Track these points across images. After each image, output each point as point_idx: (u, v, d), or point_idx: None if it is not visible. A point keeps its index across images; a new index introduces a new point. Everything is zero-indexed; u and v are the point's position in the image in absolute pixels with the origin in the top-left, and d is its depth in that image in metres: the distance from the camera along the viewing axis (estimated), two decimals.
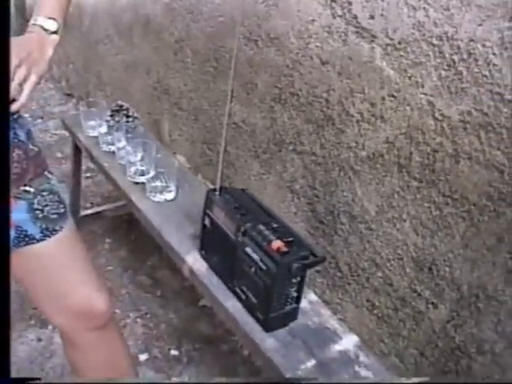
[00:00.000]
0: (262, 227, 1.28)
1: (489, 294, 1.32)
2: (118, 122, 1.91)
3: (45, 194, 1.04)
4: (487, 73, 1.19)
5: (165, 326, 1.90)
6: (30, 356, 1.79)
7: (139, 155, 1.78)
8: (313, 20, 1.56)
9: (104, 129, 1.93)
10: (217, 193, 1.40)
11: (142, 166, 1.76)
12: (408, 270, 1.49)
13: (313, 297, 1.40)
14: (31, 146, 1.03)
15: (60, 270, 1.12)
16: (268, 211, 1.38)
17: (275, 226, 1.30)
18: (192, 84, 2.14)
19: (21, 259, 1.04)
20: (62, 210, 1.08)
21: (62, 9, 1.06)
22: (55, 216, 1.06)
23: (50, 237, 1.06)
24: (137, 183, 1.74)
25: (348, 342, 1.28)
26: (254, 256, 1.26)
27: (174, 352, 1.81)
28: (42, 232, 1.04)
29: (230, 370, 1.77)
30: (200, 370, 1.76)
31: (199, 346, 1.83)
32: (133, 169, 1.76)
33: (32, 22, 1.04)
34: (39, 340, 1.84)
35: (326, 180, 1.67)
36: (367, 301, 1.64)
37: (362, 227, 1.59)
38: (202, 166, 2.10)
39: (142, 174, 1.75)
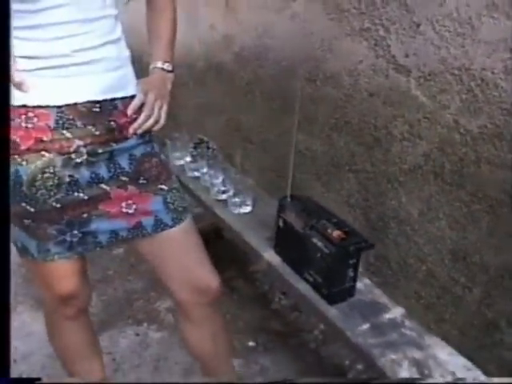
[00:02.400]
0: (324, 222, 1.72)
1: (508, 274, 1.70)
2: (201, 152, 2.39)
3: (174, 191, 1.44)
4: (496, 94, 1.60)
5: (242, 324, 2.32)
6: (130, 347, 2.24)
7: (220, 178, 2.25)
8: (361, 61, 2.02)
9: (189, 158, 2.42)
10: (288, 199, 1.84)
11: (223, 186, 2.22)
12: (446, 261, 1.88)
13: (367, 281, 1.81)
14: (162, 156, 1.48)
15: (185, 252, 1.49)
16: (328, 211, 1.81)
17: (335, 220, 1.73)
18: (260, 120, 2.62)
19: (156, 242, 1.44)
20: (186, 205, 1.48)
21: (172, 52, 1.52)
22: (181, 208, 1.45)
23: (178, 224, 1.44)
24: (219, 200, 2.21)
25: (396, 312, 1.68)
26: (319, 244, 1.69)
27: (251, 343, 2.23)
28: (172, 220, 1.43)
29: (299, 359, 2.17)
30: (274, 358, 2.17)
31: (272, 338, 2.24)
32: (215, 189, 2.22)
33: (153, 66, 1.47)
34: (137, 335, 2.29)
35: (376, 192, 2.09)
36: (415, 293, 2.02)
37: (408, 229, 2.00)
38: (272, 191, 2.55)
39: (223, 192, 2.21)
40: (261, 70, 2.55)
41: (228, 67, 2.77)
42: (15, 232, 1.30)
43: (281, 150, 2.51)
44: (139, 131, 1.36)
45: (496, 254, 1.73)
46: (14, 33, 1.08)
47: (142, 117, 1.36)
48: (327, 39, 2.14)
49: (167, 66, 1.47)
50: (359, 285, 1.76)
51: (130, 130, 1.34)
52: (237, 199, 2.16)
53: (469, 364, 1.49)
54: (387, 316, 1.67)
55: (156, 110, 1.38)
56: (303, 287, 1.77)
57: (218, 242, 2.62)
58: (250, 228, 2.06)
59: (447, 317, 1.92)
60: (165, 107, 1.42)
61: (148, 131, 1.38)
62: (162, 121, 1.40)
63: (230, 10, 2.68)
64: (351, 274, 1.70)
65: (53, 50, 1.17)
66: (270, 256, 1.91)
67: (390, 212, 2.05)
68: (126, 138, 1.33)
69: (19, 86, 1.05)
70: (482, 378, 1.45)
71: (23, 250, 1.34)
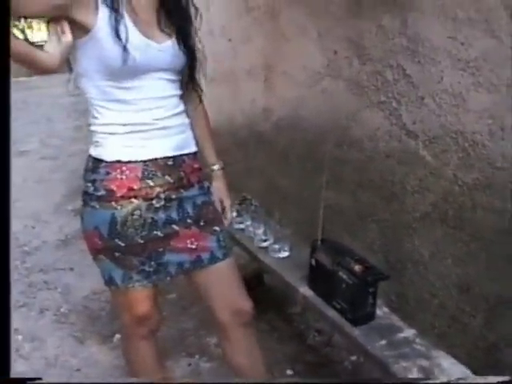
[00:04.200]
0: (348, 259, 2.15)
1: (506, 300, 2.09)
2: (245, 207, 2.87)
3: (224, 232, 1.89)
4: (485, 152, 2.04)
5: (281, 356, 2.72)
6: (183, 375, 2.65)
7: (262, 229, 2.70)
8: (378, 128, 2.49)
9: (234, 213, 2.89)
10: (319, 242, 2.29)
11: (264, 235, 2.67)
12: (453, 293, 2.28)
13: (385, 309, 2.21)
14: (216, 204, 1.95)
15: (229, 281, 1.91)
16: (351, 251, 2.24)
17: (357, 258, 2.16)
18: (295, 180, 3.10)
19: (209, 273, 1.85)
20: (230, 244, 1.96)
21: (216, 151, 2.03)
22: (229, 246, 1.91)
23: (226, 258, 1.88)
24: (261, 247, 2.66)
25: (409, 332, 2.07)
26: (344, 277, 2.11)
27: (289, 372, 2.62)
28: (223, 255, 1.86)
29: None
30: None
31: (308, 368, 2.63)
32: (258, 238, 2.68)
33: (211, 169, 1.99)
34: (189, 365, 2.71)
35: (394, 238, 2.52)
36: (430, 324, 2.41)
37: (421, 268, 2.41)
38: (306, 240, 2.99)
39: (265, 241, 2.66)
40: (295, 137, 3.04)
41: (267, 135, 3.27)
42: (105, 264, 1.71)
43: (313, 205, 2.96)
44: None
45: (493, 285, 2.12)
46: (107, 105, 1.58)
47: (228, 219, 2.00)
48: (351, 111, 2.62)
49: (220, 165, 2.01)
50: (379, 312, 2.17)
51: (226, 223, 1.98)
52: (276, 246, 2.60)
53: (467, 371, 1.88)
54: (401, 335, 2.06)
55: (228, 208, 2.00)
56: (332, 313, 2.18)
57: (260, 288, 3.05)
58: (287, 269, 2.49)
59: (457, 342, 2.30)
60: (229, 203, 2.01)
61: (204, 181, 1.86)
62: (231, 216, 2.04)
63: (269, 86, 3.21)
64: (371, 300, 2.11)
65: (139, 118, 1.63)
66: (305, 290, 2.34)
67: (406, 254, 2.47)
68: (191, 186, 1.78)
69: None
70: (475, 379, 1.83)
71: (109, 281, 1.75)
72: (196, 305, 3.01)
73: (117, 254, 1.69)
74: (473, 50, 2.01)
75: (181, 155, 1.75)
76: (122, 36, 1.51)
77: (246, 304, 1.96)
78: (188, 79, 1.81)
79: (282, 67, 3.09)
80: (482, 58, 1.98)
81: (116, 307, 1.98)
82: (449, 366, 1.90)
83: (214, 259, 1.85)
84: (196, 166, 1.82)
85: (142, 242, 1.69)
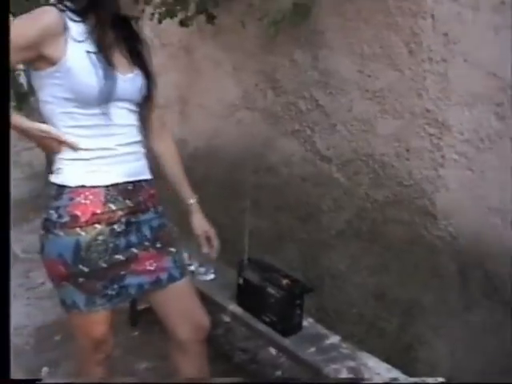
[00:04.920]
0: (275, 275, 2.34)
1: (417, 304, 2.35)
2: None
3: (179, 253, 1.97)
4: (393, 172, 2.31)
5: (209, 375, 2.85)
6: None
7: (185, 254, 2.84)
8: (293, 154, 2.72)
9: None
10: (245, 260, 2.46)
11: (189, 260, 2.82)
12: (370, 302, 2.52)
13: (310, 319, 2.41)
14: (170, 226, 2.01)
15: (187, 299, 1.99)
16: (277, 267, 2.44)
17: (282, 273, 2.36)
18: (213, 206, 3.27)
19: (167, 292, 1.93)
20: (185, 263, 2.07)
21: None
22: (185, 266, 2.01)
23: (183, 278, 1.96)
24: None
25: (334, 338, 2.28)
26: (273, 291, 2.30)
27: None
28: (180, 274, 1.95)
29: None
30: None
31: None
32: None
33: (189, 203, 2.06)
34: None
35: (312, 255, 2.74)
36: (349, 332, 2.63)
37: (339, 281, 2.64)
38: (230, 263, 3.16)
39: (190, 265, 2.80)
40: (212, 165, 3.22)
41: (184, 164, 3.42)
42: (68, 291, 1.75)
43: (233, 229, 3.14)
44: (215, 255, 2.09)
45: (405, 291, 2.38)
46: (72, 130, 1.70)
47: (216, 245, 2.09)
48: (266, 139, 2.85)
49: (196, 199, 2.10)
50: (305, 323, 2.36)
51: (212, 255, 2.09)
52: (202, 269, 2.76)
53: (390, 367, 2.11)
54: (328, 341, 2.27)
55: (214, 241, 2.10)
56: (262, 327, 2.36)
57: None
58: (215, 290, 2.65)
59: (376, 346, 2.53)
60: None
61: (158, 206, 1.94)
62: (217, 249, 2.11)
63: (184, 118, 3.38)
64: (298, 311, 2.31)
65: (102, 144, 1.73)
66: (234, 308, 2.50)
67: (324, 269, 2.69)
68: (148, 210, 1.87)
69: (72, 145, 1.67)
70: (402, 376, 2.06)
71: (72, 305, 1.78)
72: (121, 333, 3.09)
73: (80, 280, 1.74)
74: (379, 82, 2.29)
75: (139, 181, 1.85)
76: (90, 67, 1.64)
77: (204, 320, 2.05)
78: (150, 109, 1.93)
79: (197, 100, 3.28)
80: (387, 89, 2.26)
81: (76, 331, 1.95)
82: (373, 364, 2.12)
83: (171, 279, 1.93)
84: (152, 191, 1.91)
85: (105, 266, 1.76)
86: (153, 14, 2.96)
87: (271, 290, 2.31)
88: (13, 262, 4.26)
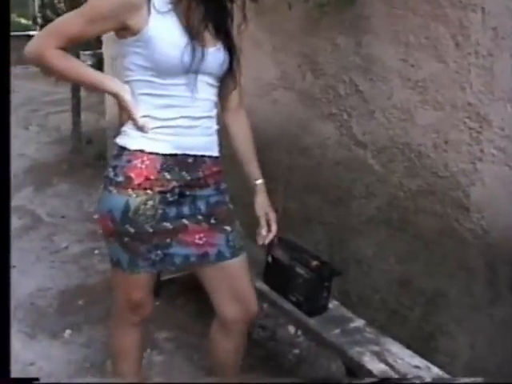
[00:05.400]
0: (305, 255, 2.39)
1: (441, 294, 2.38)
2: None
3: (234, 233, 1.97)
4: (428, 162, 2.33)
5: None
6: None
7: None
8: (328, 137, 2.75)
9: None
10: (275, 240, 2.50)
11: None
12: (394, 289, 2.56)
13: (335, 302, 2.46)
14: (230, 205, 2.00)
15: (237, 279, 2.00)
16: (306, 248, 2.48)
17: (312, 254, 2.40)
18: (245, 184, 3.31)
19: (216, 270, 1.95)
20: (242, 244, 2.02)
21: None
22: (239, 246, 1.99)
23: (235, 257, 1.97)
24: None
25: (359, 322, 2.33)
26: (301, 271, 2.35)
27: None
28: (231, 254, 1.95)
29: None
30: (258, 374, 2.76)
31: (256, 361, 2.82)
32: None
33: (255, 183, 2.07)
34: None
35: (339, 239, 2.78)
36: (371, 318, 2.68)
37: (365, 267, 2.68)
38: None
39: None
40: None
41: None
42: (114, 247, 1.83)
43: None
44: (267, 241, 2.06)
45: (430, 281, 2.42)
46: (146, 98, 1.74)
47: (273, 231, 2.05)
48: (302, 120, 2.88)
49: (262, 180, 2.11)
50: (330, 305, 2.41)
51: (264, 240, 2.05)
52: None
53: (413, 354, 2.15)
54: (352, 324, 2.32)
55: (273, 223, 2.07)
56: (288, 306, 2.41)
57: None
58: None
59: (397, 333, 2.57)
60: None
61: (222, 183, 1.96)
62: (275, 230, 2.07)
63: None
64: (325, 293, 2.35)
65: (170, 114, 1.76)
66: (260, 285, 2.55)
67: (351, 254, 2.73)
68: (207, 186, 1.89)
69: (142, 128, 1.73)
70: (423, 362, 2.11)
71: (116, 263, 1.86)
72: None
73: (125, 239, 1.80)
74: (422, 72, 2.30)
75: (202, 156, 1.85)
76: (173, 38, 1.67)
77: (253, 304, 2.06)
78: (230, 86, 1.95)
79: None
80: (429, 79, 2.28)
81: (116, 289, 2.04)
82: (397, 350, 2.18)
83: (221, 257, 1.94)
84: (215, 169, 1.92)
85: (150, 230, 1.80)
86: None
87: (300, 270, 2.36)
88: (37, 225, 4.37)
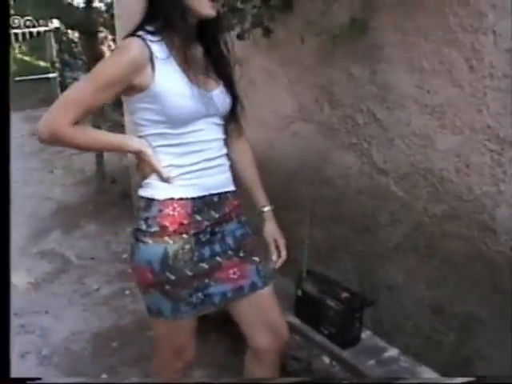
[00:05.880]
0: (334, 287, 2.40)
1: (475, 318, 2.37)
2: None
3: (263, 262, 2.05)
4: (452, 186, 2.33)
5: None
6: None
7: None
8: (350, 167, 2.77)
9: None
10: (304, 273, 2.52)
11: None
12: (427, 315, 2.55)
13: (368, 332, 2.46)
14: (254, 236, 2.06)
15: (269, 308, 2.06)
16: (336, 280, 2.49)
17: (342, 286, 2.41)
18: None
19: (249, 301, 2.01)
20: (270, 272, 2.10)
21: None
22: (268, 275, 2.06)
23: (265, 286, 2.03)
24: None
25: (393, 351, 2.33)
26: (332, 304, 2.36)
27: None
28: (262, 283, 2.02)
29: None
30: None
31: None
32: None
33: (263, 210, 2.16)
34: None
35: (368, 268, 2.78)
36: (405, 345, 2.67)
37: (395, 293, 2.67)
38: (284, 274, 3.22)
39: None
40: (267, 176, 3.28)
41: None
42: (155, 297, 1.85)
43: (288, 240, 3.20)
44: (277, 266, 2.14)
45: (463, 305, 2.40)
46: (163, 149, 1.79)
47: (283, 257, 2.14)
48: (322, 151, 2.90)
49: (270, 207, 2.19)
50: (363, 335, 2.41)
51: (274, 266, 2.14)
52: None
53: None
54: (387, 354, 2.32)
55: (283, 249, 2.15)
56: (320, 338, 2.41)
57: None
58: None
59: (433, 359, 2.56)
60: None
61: (241, 216, 2.03)
62: (284, 256, 2.16)
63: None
64: (357, 324, 2.36)
65: (191, 160, 1.82)
66: (293, 319, 2.56)
67: (380, 282, 2.73)
68: (231, 220, 1.96)
69: (168, 180, 1.79)
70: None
71: (157, 312, 1.88)
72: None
73: (167, 287, 1.83)
74: (438, 97, 2.32)
75: (225, 192, 1.94)
76: (180, 90, 1.73)
77: (284, 330, 2.12)
78: (233, 122, 2.03)
79: (252, 111, 3.33)
80: (446, 104, 2.29)
81: (159, 338, 2.06)
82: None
83: (254, 287, 2.00)
84: (236, 202, 2.00)
85: (190, 274, 1.85)
86: None
87: (330, 303, 2.37)
88: (67, 268, 4.43)
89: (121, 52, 1.77)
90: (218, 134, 1.93)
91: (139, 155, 1.83)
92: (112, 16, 5.92)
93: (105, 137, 1.85)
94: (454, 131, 2.29)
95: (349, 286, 2.61)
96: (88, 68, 6.45)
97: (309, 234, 2.97)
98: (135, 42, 1.72)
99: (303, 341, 2.59)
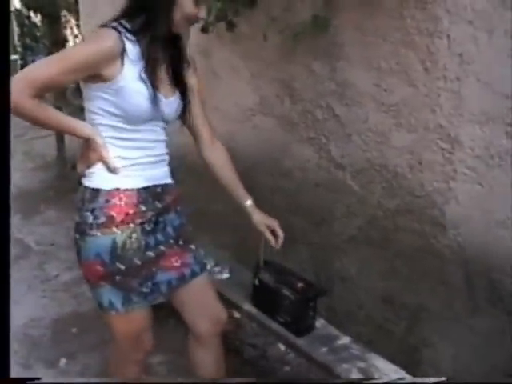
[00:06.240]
0: (290, 277, 2.47)
1: (424, 308, 2.48)
2: None
3: (197, 249, 2.12)
4: (405, 182, 2.44)
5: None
6: None
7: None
8: (308, 160, 2.85)
9: None
10: (261, 263, 2.59)
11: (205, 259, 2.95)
12: (378, 305, 2.66)
13: (322, 320, 2.55)
14: (188, 226, 2.16)
15: (206, 293, 2.15)
16: (292, 271, 2.57)
17: (298, 276, 2.49)
18: (226, 207, 3.40)
19: (188, 287, 2.07)
20: (206, 260, 2.21)
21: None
22: (203, 261, 2.16)
23: (203, 272, 2.12)
24: None
25: (345, 339, 2.41)
26: (287, 293, 2.43)
27: None
28: (200, 269, 2.11)
29: None
30: None
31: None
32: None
33: (248, 204, 2.21)
34: None
35: (323, 259, 2.87)
36: (357, 333, 2.77)
37: (349, 284, 2.77)
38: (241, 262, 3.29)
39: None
40: None
41: (199, 166, 3.55)
42: (105, 290, 1.88)
43: (244, 230, 3.27)
44: (280, 245, 2.24)
45: (413, 296, 2.51)
46: (113, 141, 1.83)
47: (281, 235, 2.23)
48: (282, 144, 2.97)
49: (251, 200, 2.24)
50: (317, 323, 2.50)
51: (277, 247, 2.25)
52: (217, 268, 2.89)
53: (397, 368, 2.24)
54: (339, 342, 2.40)
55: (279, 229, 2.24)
56: (276, 326, 2.49)
57: None
58: (230, 289, 2.78)
59: (383, 347, 2.66)
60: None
61: (179, 206, 2.09)
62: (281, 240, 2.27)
63: None
64: (312, 313, 2.44)
65: (137, 154, 1.88)
66: (249, 308, 2.64)
67: (335, 272, 2.83)
68: (171, 211, 2.03)
69: (114, 170, 1.83)
70: (408, 376, 2.20)
71: (109, 306, 1.90)
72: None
73: (118, 278, 1.87)
74: (394, 96, 2.41)
75: (166, 184, 2.01)
76: (142, 90, 1.78)
77: (221, 313, 2.20)
78: (203, 126, 2.12)
79: (213, 103, 3.39)
80: (402, 103, 2.38)
81: (114, 332, 2.06)
82: (382, 366, 2.26)
83: (194, 274, 2.09)
84: (176, 193, 2.08)
85: (139, 263, 1.90)
86: None
87: (286, 292, 2.44)
88: (27, 254, 4.41)
89: (97, 40, 1.79)
90: (164, 135, 2.00)
91: (88, 142, 1.86)
92: (76, 0, 5.88)
93: (61, 117, 1.85)
94: (409, 129, 2.38)
95: (304, 276, 2.69)
96: (50, 52, 6.39)
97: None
98: (112, 35, 1.75)
99: (259, 328, 2.67)
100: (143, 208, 1.91)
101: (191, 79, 2.04)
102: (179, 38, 1.94)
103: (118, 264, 1.86)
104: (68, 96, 6.04)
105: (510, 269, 2.15)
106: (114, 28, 1.77)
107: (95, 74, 1.76)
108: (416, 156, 2.38)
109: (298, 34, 2.63)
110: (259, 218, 2.23)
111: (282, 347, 3.14)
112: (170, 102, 1.92)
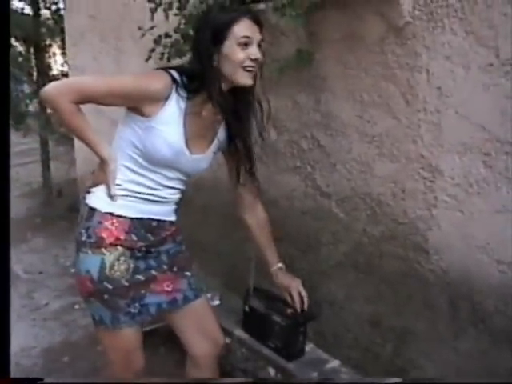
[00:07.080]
0: (280, 303, 2.54)
1: (410, 331, 2.55)
2: None
3: (194, 276, 2.20)
4: (389, 210, 2.52)
5: None
6: None
7: None
8: (294, 189, 2.93)
9: None
10: (251, 290, 2.66)
11: None
12: (365, 328, 2.73)
13: (311, 345, 2.62)
14: (187, 253, 2.22)
15: (203, 317, 2.23)
16: (281, 297, 2.63)
17: (287, 302, 2.55)
18: (215, 236, 3.46)
19: (183, 312, 2.17)
20: (202, 286, 2.26)
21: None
22: (199, 288, 2.22)
23: (198, 298, 2.20)
24: None
25: (334, 363, 2.49)
26: (277, 319, 2.50)
27: None
28: (194, 295, 2.18)
29: None
30: None
31: None
32: None
33: (277, 267, 2.37)
34: None
35: (311, 284, 2.94)
36: (346, 356, 2.83)
37: (336, 308, 2.84)
38: (231, 289, 3.35)
39: None
40: (216, 196, 3.42)
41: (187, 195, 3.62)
42: (95, 306, 1.96)
43: (233, 258, 3.34)
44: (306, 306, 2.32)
45: (399, 319, 2.59)
46: (123, 169, 1.90)
47: (306, 301, 2.34)
48: (268, 174, 3.05)
49: (281, 264, 2.38)
50: (307, 347, 2.57)
51: (301, 307, 2.33)
52: (208, 295, 2.95)
53: None
54: (329, 366, 2.47)
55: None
56: (268, 352, 2.56)
57: None
58: (221, 316, 2.84)
59: (371, 369, 2.73)
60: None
61: (179, 236, 2.18)
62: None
63: None
64: (301, 338, 2.51)
65: (142, 190, 1.95)
66: (240, 333, 2.70)
67: (323, 297, 2.90)
68: (166, 242, 2.10)
69: (112, 197, 1.89)
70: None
71: (99, 321, 1.99)
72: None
73: (106, 297, 1.94)
74: (377, 127, 2.50)
75: (164, 220, 2.08)
76: (171, 140, 1.88)
77: (218, 336, 2.29)
78: (250, 182, 2.24)
79: None
80: (384, 134, 2.48)
81: (105, 346, 2.14)
82: None
83: (186, 300, 2.17)
84: (174, 228, 2.15)
85: (126, 284, 1.96)
86: (162, 54, 3.17)
87: (276, 318, 2.51)
88: (15, 282, 4.44)
89: (149, 78, 1.87)
90: (179, 185, 2.08)
91: (103, 164, 1.94)
92: (62, 30, 5.94)
93: (89, 130, 1.91)
94: (392, 159, 2.47)
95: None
96: (36, 80, 6.44)
97: (255, 252, 3.11)
98: (166, 80, 1.85)
99: (250, 354, 2.73)
100: (134, 237, 1.98)
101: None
102: (245, 90, 2.02)
103: (105, 283, 1.93)
104: (54, 124, 6.10)
105: (489, 291, 2.24)
106: (172, 77, 1.86)
107: (137, 106, 1.84)
108: (399, 185, 2.46)
109: (283, 67, 2.72)
110: (288, 281, 2.38)
111: (272, 372, 3.21)
112: (197, 159, 2.00)
